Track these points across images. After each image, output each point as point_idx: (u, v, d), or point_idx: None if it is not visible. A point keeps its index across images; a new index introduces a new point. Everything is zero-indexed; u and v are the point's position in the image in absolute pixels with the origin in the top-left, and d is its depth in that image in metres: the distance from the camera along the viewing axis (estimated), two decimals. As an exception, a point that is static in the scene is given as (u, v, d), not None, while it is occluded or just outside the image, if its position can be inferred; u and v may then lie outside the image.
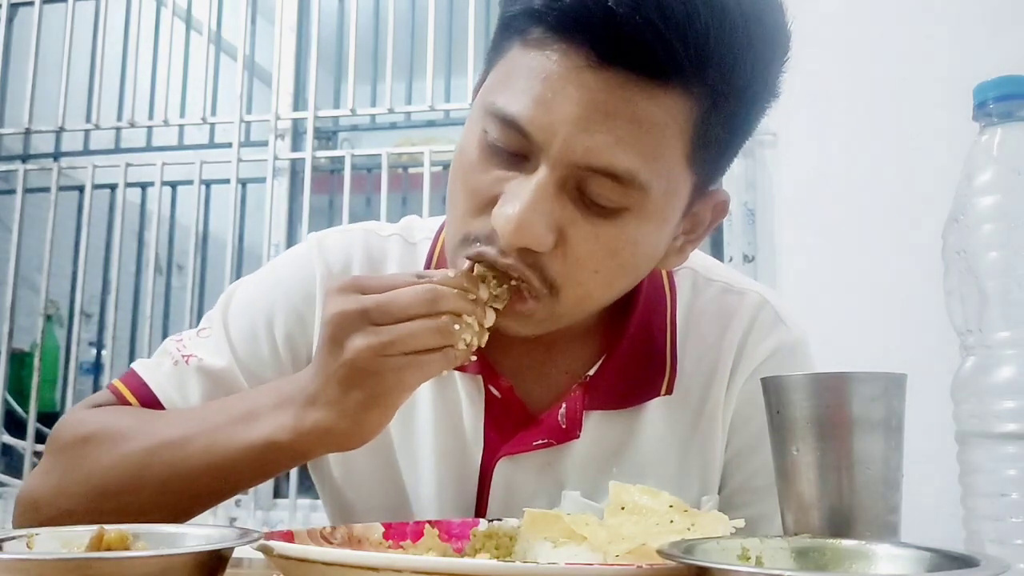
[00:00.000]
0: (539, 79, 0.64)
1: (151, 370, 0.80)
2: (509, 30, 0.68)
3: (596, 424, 0.79)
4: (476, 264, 0.66)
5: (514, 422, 0.79)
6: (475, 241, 0.68)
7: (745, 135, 0.71)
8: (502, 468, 0.79)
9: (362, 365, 0.60)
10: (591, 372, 0.79)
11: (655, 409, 0.80)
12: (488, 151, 0.67)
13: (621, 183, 0.64)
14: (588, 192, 0.65)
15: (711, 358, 0.81)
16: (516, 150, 0.65)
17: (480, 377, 0.79)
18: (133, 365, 0.81)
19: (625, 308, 0.80)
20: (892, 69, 1.89)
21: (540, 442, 0.78)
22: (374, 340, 0.60)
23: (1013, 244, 0.50)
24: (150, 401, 0.78)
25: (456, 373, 0.80)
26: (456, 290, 0.63)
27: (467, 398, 0.80)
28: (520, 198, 0.64)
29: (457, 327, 0.62)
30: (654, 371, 0.80)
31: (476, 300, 0.64)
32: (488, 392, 0.79)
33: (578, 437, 0.78)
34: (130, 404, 0.78)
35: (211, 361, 0.79)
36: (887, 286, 1.81)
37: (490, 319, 0.65)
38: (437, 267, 0.82)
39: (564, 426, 0.78)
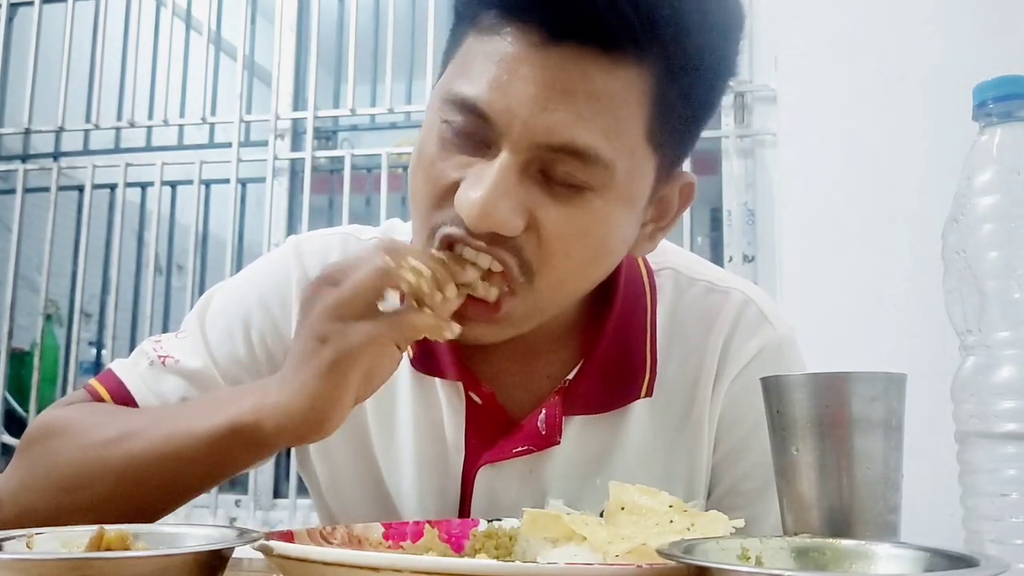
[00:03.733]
0: (494, 62, 0.63)
1: (128, 370, 0.79)
2: (462, 21, 0.68)
3: (579, 430, 0.78)
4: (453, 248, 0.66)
5: (495, 429, 0.78)
6: (441, 225, 0.67)
7: (704, 113, 0.71)
8: (484, 476, 0.78)
9: (315, 332, 0.61)
10: (570, 376, 0.78)
11: (638, 413, 0.79)
12: (448, 140, 0.66)
13: (584, 160, 0.63)
14: (553, 174, 0.64)
15: (696, 360, 0.80)
16: (476, 135, 0.65)
17: (460, 384, 0.78)
18: (111, 365, 0.80)
19: (603, 311, 0.79)
20: (892, 69, 1.89)
21: (520, 449, 0.77)
22: (323, 304, 0.61)
23: (1013, 244, 0.50)
24: (126, 400, 0.77)
25: (437, 380, 0.79)
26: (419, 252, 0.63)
27: (448, 405, 0.79)
28: (483, 181, 0.63)
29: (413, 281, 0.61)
30: (633, 374, 0.79)
31: (439, 261, 0.63)
32: (469, 399, 0.78)
33: (558, 443, 0.77)
34: (105, 403, 0.77)
35: (188, 363, 0.78)
36: (887, 286, 1.81)
37: (451, 292, 0.63)
38: None
39: (544, 432, 0.76)
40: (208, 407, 0.67)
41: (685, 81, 0.66)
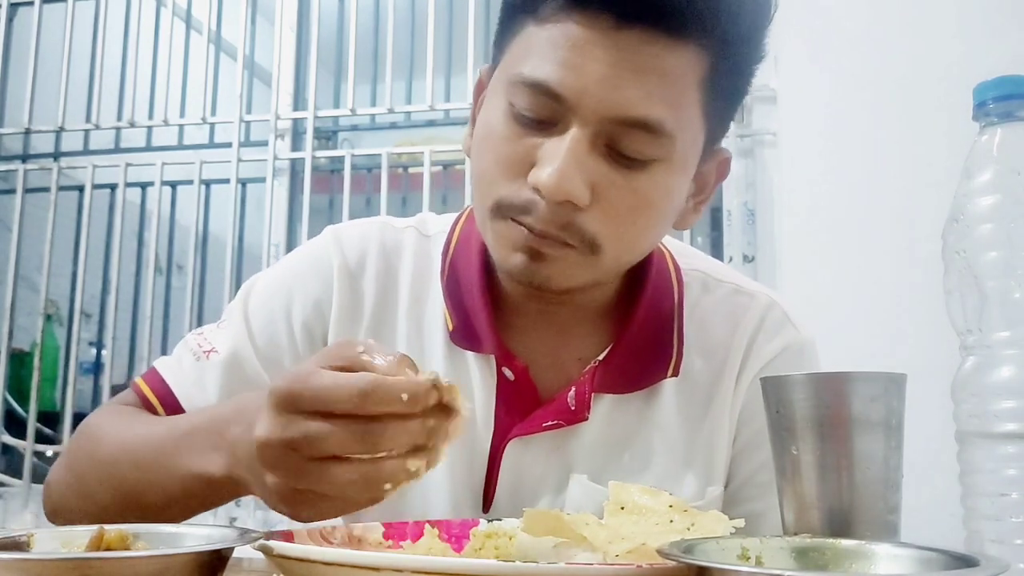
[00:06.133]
0: (563, 46, 0.68)
1: (171, 368, 0.82)
2: (517, 12, 0.72)
3: (607, 408, 0.81)
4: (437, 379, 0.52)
5: (525, 404, 0.81)
6: (508, 211, 0.70)
7: (744, 90, 0.77)
8: (512, 450, 0.80)
9: (280, 493, 0.53)
10: (601, 356, 0.81)
11: (664, 398, 0.82)
12: (516, 121, 0.70)
13: (653, 133, 0.68)
14: (620, 147, 0.69)
15: (720, 355, 0.83)
16: (546, 116, 0.69)
17: (492, 358, 0.81)
18: (155, 363, 0.84)
19: (633, 296, 0.83)
20: (892, 69, 1.89)
21: (550, 423, 0.79)
22: (284, 477, 0.52)
23: (1013, 244, 0.50)
24: (169, 398, 0.81)
25: (469, 353, 0.82)
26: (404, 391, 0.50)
27: (479, 379, 0.81)
28: (558, 155, 0.67)
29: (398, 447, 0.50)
30: (661, 355, 0.82)
31: (427, 412, 0.51)
32: (500, 374, 0.81)
33: (586, 419, 0.79)
34: (151, 402, 0.81)
35: (228, 351, 0.81)
36: (887, 286, 1.81)
37: (438, 455, 0.52)
38: (454, 259, 0.84)
39: (573, 408, 0.79)
40: (195, 446, 0.64)
41: (733, 60, 0.72)
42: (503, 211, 0.71)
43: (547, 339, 0.82)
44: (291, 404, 0.52)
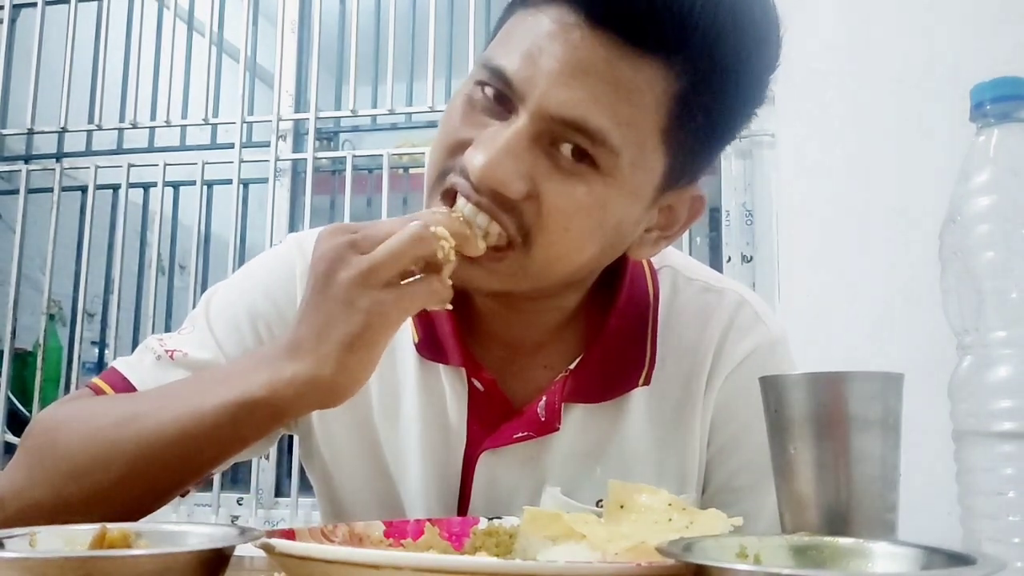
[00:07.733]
0: (530, 36, 0.67)
1: (132, 366, 0.78)
2: (516, 2, 0.71)
3: (579, 419, 0.79)
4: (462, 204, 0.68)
5: (497, 416, 0.80)
6: (449, 173, 0.69)
7: (726, 130, 0.73)
8: (484, 462, 0.79)
9: (344, 298, 0.60)
10: (572, 366, 0.79)
11: (636, 405, 0.80)
12: (475, 103, 0.69)
13: (592, 141, 0.66)
14: (562, 149, 0.66)
15: (690, 356, 0.81)
16: (500, 103, 0.68)
17: (463, 370, 0.80)
18: (113, 362, 0.80)
19: (607, 304, 0.81)
20: (890, 69, 1.89)
21: (521, 435, 0.78)
22: (355, 271, 0.60)
23: (1009, 244, 0.50)
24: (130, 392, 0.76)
25: (440, 366, 0.80)
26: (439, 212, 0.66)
27: (451, 391, 0.80)
28: (494, 141, 0.66)
29: (444, 244, 0.62)
30: (633, 364, 0.80)
31: (461, 218, 0.66)
32: (471, 385, 0.80)
33: (557, 430, 0.78)
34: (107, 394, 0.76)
35: (197, 355, 0.78)
36: (885, 286, 1.81)
37: (481, 246, 0.67)
38: None
39: (544, 419, 0.78)
40: (216, 384, 0.65)
41: (709, 94, 0.68)
42: (437, 192, 0.70)
43: (516, 348, 0.80)
44: (347, 226, 0.63)
